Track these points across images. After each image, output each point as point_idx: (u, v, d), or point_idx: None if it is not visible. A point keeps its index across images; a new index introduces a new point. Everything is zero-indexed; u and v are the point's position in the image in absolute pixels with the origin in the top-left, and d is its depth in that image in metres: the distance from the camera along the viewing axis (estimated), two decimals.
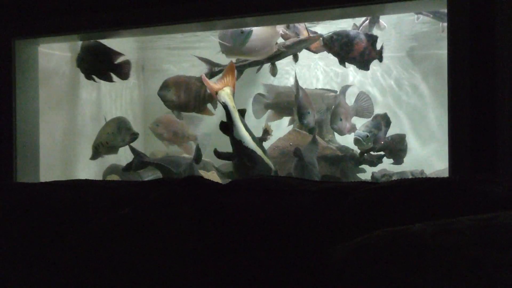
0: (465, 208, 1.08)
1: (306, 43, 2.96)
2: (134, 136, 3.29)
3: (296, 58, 3.12)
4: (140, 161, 3.22)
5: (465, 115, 1.73)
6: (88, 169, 3.64)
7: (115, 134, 3.27)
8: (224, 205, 1.27)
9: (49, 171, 3.00)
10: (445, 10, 2.25)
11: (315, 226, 1.16)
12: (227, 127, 2.81)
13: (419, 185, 1.22)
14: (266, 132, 3.08)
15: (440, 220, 0.96)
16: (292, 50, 3.00)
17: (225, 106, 2.78)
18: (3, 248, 1.40)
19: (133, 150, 3.26)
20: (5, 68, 2.46)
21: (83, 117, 3.65)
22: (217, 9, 2.12)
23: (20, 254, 1.37)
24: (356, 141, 2.84)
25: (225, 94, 2.81)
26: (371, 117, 3.07)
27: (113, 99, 3.99)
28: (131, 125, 3.32)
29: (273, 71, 3.13)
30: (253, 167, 2.83)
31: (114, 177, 3.54)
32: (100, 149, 3.32)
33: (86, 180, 1.66)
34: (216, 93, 2.83)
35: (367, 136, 2.79)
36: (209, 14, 2.15)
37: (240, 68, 3.13)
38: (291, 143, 3.30)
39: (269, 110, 3.58)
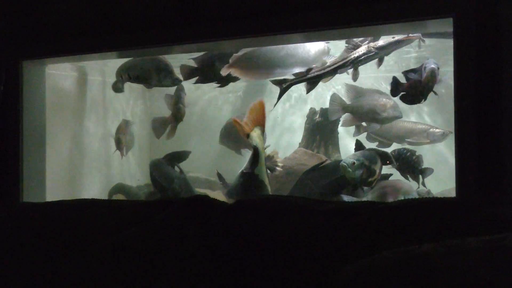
0: (473, 228, 1.07)
1: (402, 44, 2.59)
2: (176, 82, 2.98)
3: (381, 62, 2.71)
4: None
5: (472, 134, 1.72)
6: (94, 189, 3.64)
7: (152, 72, 2.94)
8: (231, 226, 1.27)
9: (55, 190, 3.00)
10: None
11: (323, 247, 1.15)
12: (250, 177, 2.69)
13: (426, 205, 1.21)
14: (273, 160, 2.99)
15: (448, 240, 0.95)
16: (384, 51, 2.63)
17: (256, 149, 2.65)
18: (10, 267, 1.40)
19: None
20: (13, 89, 2.47)
21: (89, 136, 3.65)
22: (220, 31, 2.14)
23: (27, 274, 1.37)
24: (342, 168, 2.63)
25: (256, 136, 2.68)
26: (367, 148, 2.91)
27: (119, 118, 4.00)
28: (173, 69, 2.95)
29: (355, 76, 2.73)
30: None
31: (120, 197, 3.53)
32: (124, 78, 3.02)
33: (92, 199, 1.65)
34: (248, 136, 2.68)
35: (353, 163, 2.59)
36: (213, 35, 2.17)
37: (314, 79, 2.76)
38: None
39: (347, 114, 3.13)
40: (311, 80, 2.75)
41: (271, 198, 1.44)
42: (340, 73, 2.78)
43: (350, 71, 2.78)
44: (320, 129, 3.55)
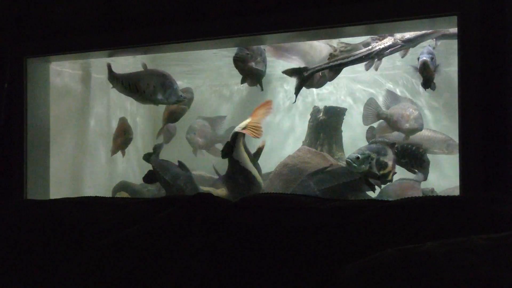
0: (477, 227, 1.07)
1: (428, 37, 2.54)
2: (180, 98, 2.96)
3: (404, 54, 2.67)
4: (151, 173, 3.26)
5: (476, 133, 1.72)
6: (97, 186, 3.64)
7: (157, 89, 2.87)
8: (235, 223, 1.26)
9: (59, 187, 3.01)
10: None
11: (326, 244, 1.15)
12: (230, 149, 2.89)
13: (430, 203, 1.21)
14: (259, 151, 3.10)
15: (452, 239, 0.95)
16: (410, 44, 2.57)
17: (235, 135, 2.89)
18: (14, 264, 1.41)
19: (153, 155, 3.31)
20: (17, 86, 2.48)
21: (92, 133, 3.65)
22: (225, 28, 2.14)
23: (30, 271, 1.37)
24: (347, 164, 2.58)
25: (242, 126, 2.93)
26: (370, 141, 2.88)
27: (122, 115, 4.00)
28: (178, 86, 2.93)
29: (377, 66, 2.64)
30: (247, 186, 2.86)
31: (124, 194, 3.54)
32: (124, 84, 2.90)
33: (95, 197, 1.66)
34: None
35: (358, 157, 2.54)
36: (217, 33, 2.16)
37: (338, 67, 2.66)
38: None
39: (381, 121, 3.08)
40: (335, 68, 2.67)
41: (274, 195, 1.43)
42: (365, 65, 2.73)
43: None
44: (324, 127, 3.55)
